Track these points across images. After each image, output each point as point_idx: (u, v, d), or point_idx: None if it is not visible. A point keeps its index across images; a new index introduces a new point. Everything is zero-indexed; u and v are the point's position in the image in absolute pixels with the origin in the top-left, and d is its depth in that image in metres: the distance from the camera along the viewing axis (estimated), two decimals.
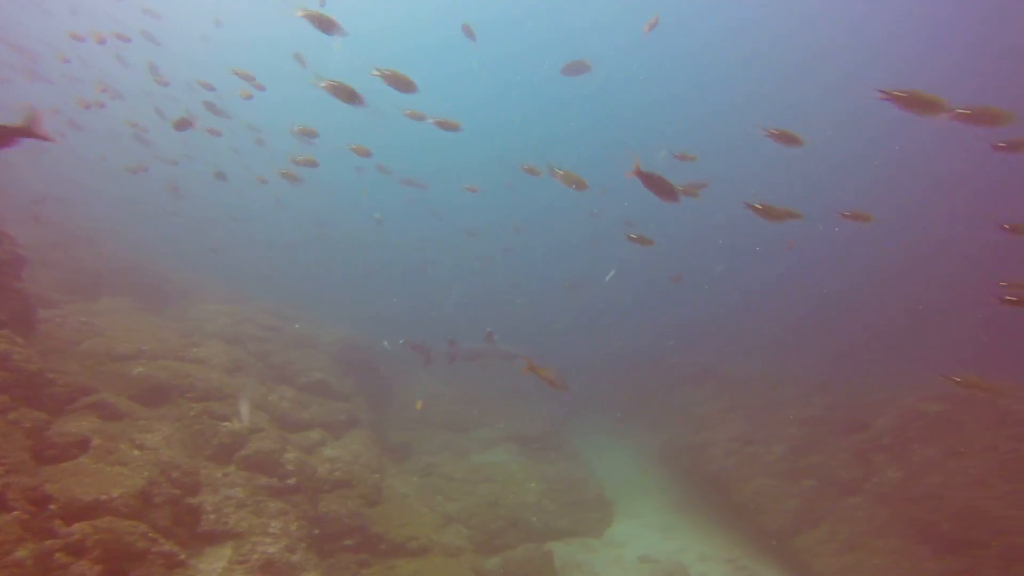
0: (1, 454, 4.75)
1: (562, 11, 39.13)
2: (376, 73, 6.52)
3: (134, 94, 17.51)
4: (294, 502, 7.44)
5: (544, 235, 41.19)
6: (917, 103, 4.97)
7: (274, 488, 7.43)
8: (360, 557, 7.67)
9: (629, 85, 42.18)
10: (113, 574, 4.55)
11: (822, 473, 10.90)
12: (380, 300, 29.27)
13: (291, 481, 7.69)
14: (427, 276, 33.88)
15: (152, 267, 16.59)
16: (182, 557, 5.27)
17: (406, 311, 28.92)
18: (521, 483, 11.93)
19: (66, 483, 5.16)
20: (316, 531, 7.43)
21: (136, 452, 6.16)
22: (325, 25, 6.35)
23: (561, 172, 6.78)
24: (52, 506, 4.63)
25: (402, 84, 6.65)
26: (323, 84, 6.37)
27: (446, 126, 8.43)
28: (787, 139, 6.39)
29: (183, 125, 10.28)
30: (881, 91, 4.98)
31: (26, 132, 3.77)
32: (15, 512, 4.18)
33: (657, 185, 5.56)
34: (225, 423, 7.88)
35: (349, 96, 6.42)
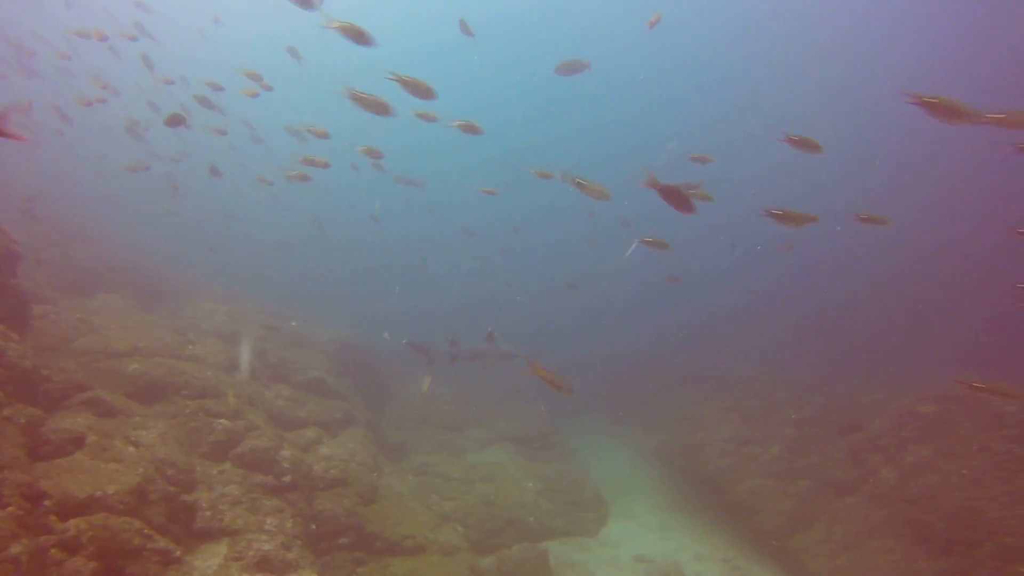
0: None
1: (562, 11, 39.16)
2: (393, 78, 6.41)
3: (128, 90, 17.40)
4: (290, 500, 7.43)
5: (542, 235, 41.24)
6: (947, 111, 4.81)
7: (270, 486, 7.42)
8: (356, 555, 7.66)
9: (629, 85, 42.22)
10: (108, 571, 4.54)
11: (818, 474, 10.93)
12: (378, 299, 29.26)
13: (287, 479, 7.68)
14: (425, 275, 33.86)
15: (148, 265, 16.57)
16: (177, 554, 5.27)
17: (405, 310, 28.92)
18: (517, 483, 11.93)
19: (61, 479, 5.14)
20: (313, 527, 7.43)
21: (131, 449, 6.15)
22: (357, 36, 6.25)
23: (583, 182, 6.64)
24: (47, 502, 4.62)
25: (421, 90, 6.59)
26: (349, 94, 6.31)
27: (468, 129, 8.28)
28: (806, 145, 6.27)
29: (175, 121, 10.07)
30: (911, 96, 4.84)
31: None
32: (9, 508, 4.16)
33: (673, 197, 5.53)
34: (221, 420, 7.86)
35: (379, 108, 6.37)
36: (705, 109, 42.05)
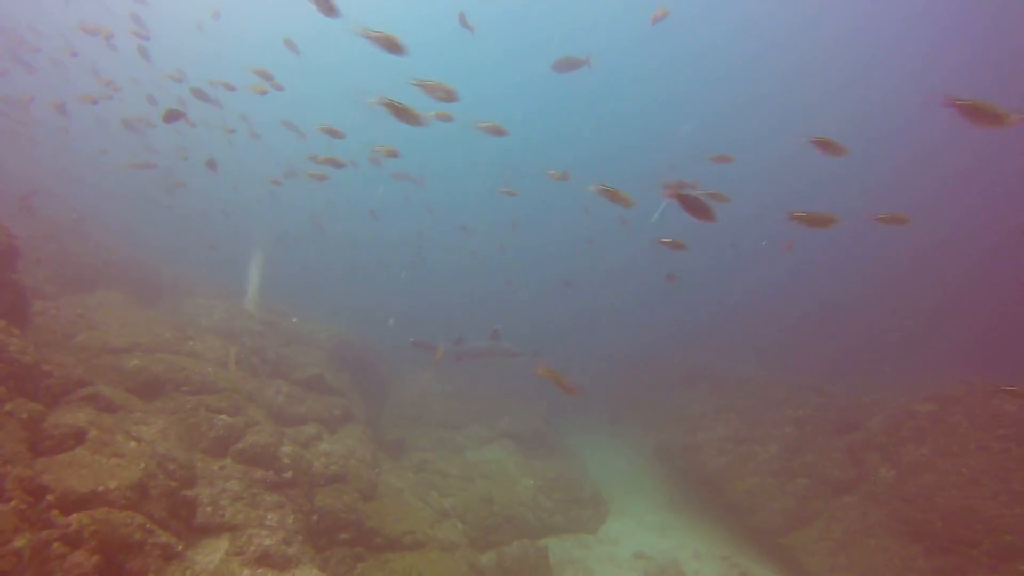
0: None
1: (563, 8, 39.11)
2: (416, 83, 6.37)
3: (125, 84, 17.31)
4: (290, 496, 7.43)
5: (541, 233, 41.26)
6: (981, 114, 4.72)
7: (270, 481, 7.42)
8: (356, 551, 7.67)
9: (631, 83, 42.23)
10: (110, 565, 4.54)
11: (816, 472, 10.97)
12: (376, 297, 29.24)
13: (287, 475, 7.69)
14: (424, 273, 33.84)
15: (147, 261, 16.52)
16: (179, 549, 5.27)
17: (403, 308, 28.90)
18: (517, 480, 11.96)
19: (62, 474, 5.14)
20: (313, 519, 7.44)
21: (132, 444, 6.14)
22: (391, 47, 6.20)
23: (608, 189, 6.56)
24: (49, 497, 4.61)
25: (444, 94, 6.57)
26: (381, 103, 6.28)
27: (494, 131, 8.19)
28: (831, 148, 6.18)
29: (172, 117, 9.95)
30: (946, 99, 4.75)
31: None
32: (12, 502, 4.16)
33: (694, 206, 5.52)
34: (221, 416, 7.87)
35: (411, 118, 6.35)
36: (706, 108, 42.07)
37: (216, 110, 14.39)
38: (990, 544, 7.84)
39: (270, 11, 39.20)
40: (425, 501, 9.93)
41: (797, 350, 21.58)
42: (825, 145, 6.16)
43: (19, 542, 3.90)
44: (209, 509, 6.25)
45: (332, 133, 9.32)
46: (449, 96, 6.61)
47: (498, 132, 8.21)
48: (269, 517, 6.56)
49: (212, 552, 5.70)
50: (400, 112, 6.36)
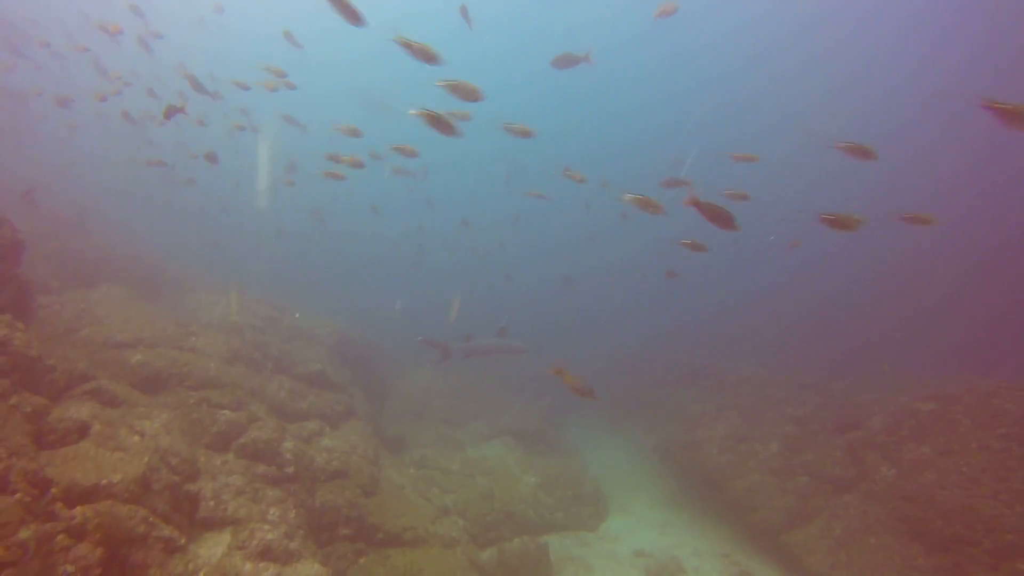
0: (2, 437, 4.75)
1: (564, 5, 39.05)
2: (440, 83, 6.36)
3: (125, 77, 17.27)
4: (292, 491, 7.46)
5: (541, 230, 41.23)
6: (1020, 118, 4.57)
7: (272, 476, 7.45)
8: (357, 546, 7.70)
9: (631, 80, 42.16)
10: (114, 557, 4.57)
11: (816, 470, 10.99)
12: (377, 294, 29.22)
13: (289, 470, 7.71)
14: (424, 270, 33.82)
15: (149, 257, 16.54)
16: (182, 542, 5.29)
17: (405, 306, 28.88)
18: (517, 477, 11.99)
19: (66, 467, 5.16)
20: (316, 513, 7.47)
21: (135, 438, 6.16)
22: (427, 57, 6.18)
23: (639, 198, 6.41)
24: (53, 490, 4.63)
25: (468, 93, 6.54)
26: (419, 113, 6.28)
27: (520, 132, 8.07)
28: (860, 152, 6.06)
29: (172, 112, 9.87)
30: (985, 102, 4.61)
31: None
32: (17, 495, 4.18)
33: (715, 214, 5.47)
34: (224, 411, 7.89)
35: (446, 128, 6.35)
36: (707, 106, 42.02)
37: (218, 105, 14.35)
38: (990, 543, 7.86)
39: (272, 6, 39.20)
40: (426, 497, 9.96)
41: (798, 349, 21.57)
42: (854, 150, 6.03)
43: (24, 534, 3.93)
44: (212, 503, 6.27)
45: (352, 133, 9.24)
46: (474, 95, 6.55)
47: (525, 134, 8.08)
48: (271, 512, 6.59)
49: (215, 546, 5.73)
50: (437, 122, 6.35)
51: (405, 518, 8.56)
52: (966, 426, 9.73)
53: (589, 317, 32.24)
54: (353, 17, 6.41)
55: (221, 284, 17.48)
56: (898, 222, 6.37)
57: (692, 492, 12.95)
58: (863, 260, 30.88)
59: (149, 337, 8.98)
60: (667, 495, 13.25)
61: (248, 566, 5.60)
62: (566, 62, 10.51)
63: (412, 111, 6.30)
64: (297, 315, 14.68)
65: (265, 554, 5.87)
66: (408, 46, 6.03)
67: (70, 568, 4.05)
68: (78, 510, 4.61)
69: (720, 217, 5.51)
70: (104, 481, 5.13)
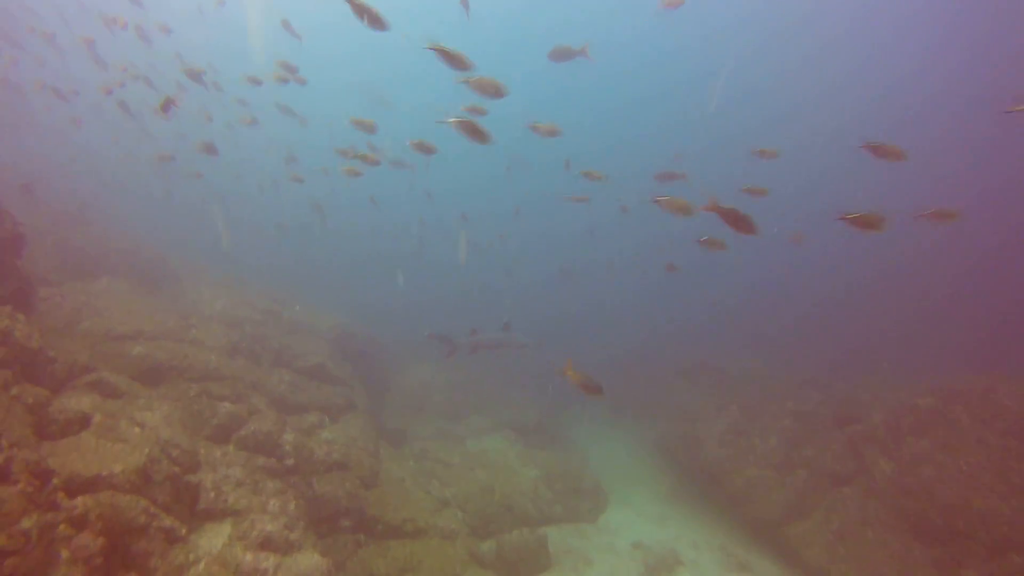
0: (4, 428, 4.78)
1: (562, 3, 38.85)
2: (462, 80, 6.33)
3: (118, 68, 17.14)
4: (292, 482, 7.50)
5: (540, 223, 41.19)
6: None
7: (272, 468, 7.49)
8: (357, 537, 7.75)
9: (631, 74, 42.03)
10: (115, 547, 4.61)
11: (815, 465, 11.03)
12: (377, 288, 29.24)
13: (289, 462, 7.75)
14: (424, 263, 33.83)
15: (149, 250, 16.54)
16: (183, 532, 5.33)
17: (405, 298, 28.91)
18: (516, 470, 12.02)
19: (68, 458, 5.20)
20: (316, 505, 7.51)
21: (136, 430, 6.20)
22: (457, 63, 6.13)
23: (665, 199, 6.24)
24: (55, 480, 4.67)
25: (492, 90, 6.50)
26: (454, 121, 6.26)
27: (546, 132, 7.98)
28: (888, 153, 5.88)
29: (168, 106, 9.76)
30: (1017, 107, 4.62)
31: None
32: (19, 485, 4.21)
33: (735, 219, 5.42)
34: (224, 404, 7.92)
35: (479, 135, 6.33)
36: (704, 103, 41.91)
37: (216, 98, 14.28)
38: (986, 536, 7.90)
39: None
40: (426, 490, 10.00)
41: (799, 345, 21.61)
42: (879, 150, 5.84)
43: (26, 523, 3.96)
44: (212, 495, 6.31)
45: (366, 127, 9.15)
46: (498, 92, 6.50)
47: (551, 133, 7.95)
48: (271, 503, 6.63)
49: (215, 537, 5.77)
50: (472, 130, 6.35)
51: (405, 510, 8.61)
52: (965, 422, 9.75)
53: (589, 311, 32.26)
54: (376, 22, 6.34)
55: (222, 278, 17.51)
56: (920, 219, 6.13)
57: (691, 486, 13.00)
58: (864, 257, 30.87)
59: (150, 330, 9.00)
60: (666, 489, 13.30)
61: (249, 556, 5.64)
62: (563, 55, 10.44)
63: (447, 119, 6.27)
64: (297, 308, 14.71)
65: (265, 545, 5.91)
66: (444, 53, 5.99)
67: (65, 553, 4.08)
68: (79, 500, 4.64)
69: (740, 221, 5.42)
70: (105, 472, 5.16)
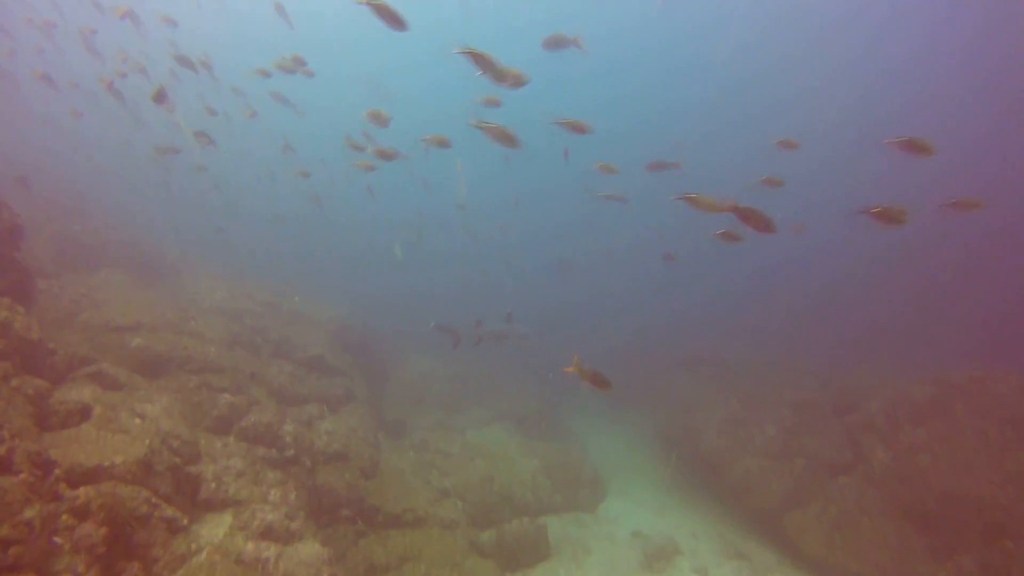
0: (5, 419, 4.79)
1: None
2: (485, 73, 6.25)
3: (107, 51, 16.86)
4: (292, 473, 7.54)
5: (538, 213, 41.08)
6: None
7: (273, 459, 7.53)
8: (357, 527, 7.79)
9: (630, 62, 41.80)
10: (118, 537, 4.63)
11: (813, 454, 11.08)
12: (375, 279, 29.20)
13: (289, 453, 7.78)
14: (422, 253, 33.70)
15: (148, 241, 16.53)
16: (184, 523, 5.37)
17: (406, 291, 28.87)
18: (516, 460, 12.08)
19: (69, 449, 5.22)
20: (316, 495, 7.55)
21: (136, 421, 6.22)
22: (488, 69, 6.05)
23: (691, 197, 6.23)
24: (56, 471, 4.69)
25: (513, 80, 6.40)
26: (483, 126, 6.20)
27: (576, 128, 7.74)
28: (916, 148, 5.72)
29: (161, 97, 9.60)
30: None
31: None
32: (22, 475, 4.24)
33: (753, 218, 5.39)
34: (224, 395, 7.94)
35: (506, 139, 6.29)
36: (700, 96, 41.75)
37: (212, 88, 14.14)
38: (980, 523, 7.97)
39: None
40: (426, 480, 10.05)
41: (797, 335, 21.66)
42: (909, 146, 5.67)
43: (29, 513, 3.98)
44: (213, 485, 6.34)
45: (379, 119, 9.03)
46: (519, 81, 6.38)
47: (580, 130, 7.73)
48: (272, 493, 6.66)
49: (217, 526, 5.81)
50: (503, 136, 6.32)
51: (405, 500, 8.66)
52: (961, 411, 9.79)
53: (588, 302, 32.25)
54: (396, 22, 6.23)
55: (221, 269, 17.50)
56: (944, 209, 5.93)
57: (690, 476, 13.07)
58: (865, 246, 30.86)
59: (149, 321, 9.01)
60: (665, 479, 13.37)
61: (250, 546, 5.68)
62: (556, 43, 10.36)
63: (477, 123, 6.22)
64: (296, 299, 14.71)
65: (266, 534, 5.95)
66: (475, 56, 5.92)
67: (59, 540, 4.09)
68: (81, 491, 4.67)
69: (759, 221, 5.37)
70: (106, 463, 5.19)
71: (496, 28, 40.03)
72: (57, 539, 4.12)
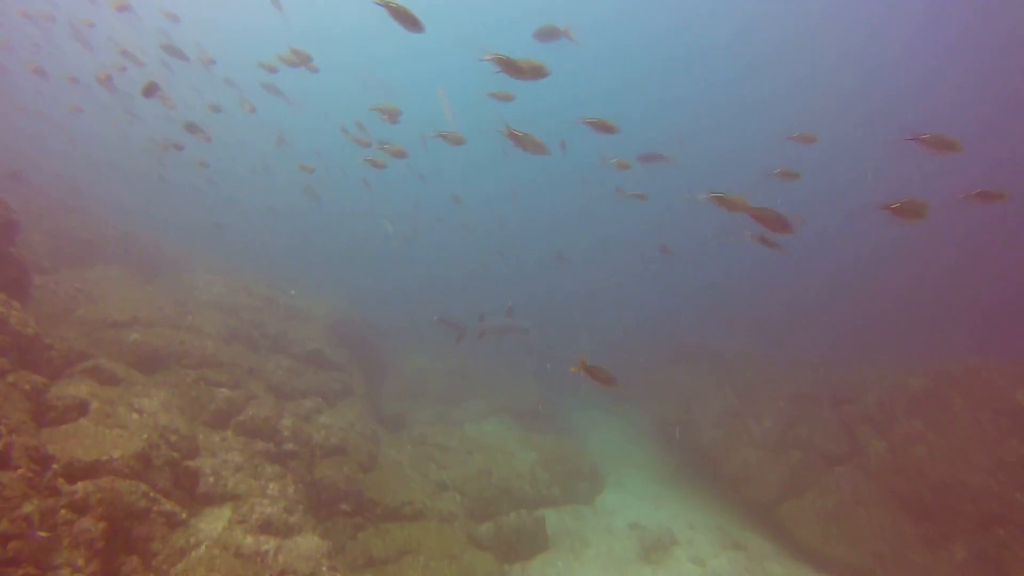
0: (2, 414, 4.80)
1: None
2: (501, 69, 6.11)
3: (101, 44, 16.68)
4: (291, 467, 7.56)
5: (536, 205, 41.05)
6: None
7: (271, 453, 7.54)
8: (356, 521, 7.82)
9: (630, 53, 41.67)
10: (116, 531, 4.65)
11: (809, 445, 11.15)
12: (374, 271, 29.18)
13: (288, 447, 7.80)
14: (418, 246, 33.69)
15: (145, 236, 16.48)
16: (183, 516, 5.39)
17: (403, 284, 28.88)
18: (514, 453, 12.12)
19: (66, 444, 5.23)
20: (315, 489, 7.58)
21: (134, 416, 6.23)
22: (513, 71, 5.94)
23: (718, 196, 5.92)
24: (54, 466, 4.70)
25: (533, 72, 6.31)
26: (509, 134, 6.17)
27: (601, 127, 7.52)
28: (943, 145, 5.55)
29: (151, 90, 9.25)
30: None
31: None
32: (20, 470, 4.25)
33: (769, 219, 5.37)
34: (222, 389, 7.95)
35: (536, 147, 6.26)
36: (695, 90, 41.65)
37: (207, 79, 14.02)
38: (974, 511, 8.04)
39: None
40: (424, 473, 10.08)
41: (794, 327, 21.73)
42: (935, 143, 5.50)
43: (27, 508, 4.00)
44: (211, 479, 6.36)
45: (389, 113, 8.94)
46: (538, 73, 6.20)
47: (607, 129, 7.53)
48: (271, 487, 6.68)
49: (215, 520, 5.82)
50: (524, 141, 6.30)
51: (403, 494, 8.68)
52: (957, 402, 9.85)
53: (585, 295, 32.29)
54: (413, 24, 6.10)
55: (218, 264, 17.47)
56: (965, 201, 5.75)
57: (688, 468, 13.14)
58: (862, 239, 30.90)
59: (146, 316, 9.00)
60: (663, 471, 13.44)
61: (249, 539, 5.70)
62: (548, 35, 10.26)
63: (507, 132, 6.18)
64: (293, 293, 14.70)
65: (265, 528, 5.97)
66: (502, 62, 5.83)
67: (43, 534, 4.09)
68: (80, 485, 4.68)
69: (775, 221, 5.33)
70: (104, 457, 5.20)
71: (492, 17, 39.85)
72: (41, 532, 4.09)
